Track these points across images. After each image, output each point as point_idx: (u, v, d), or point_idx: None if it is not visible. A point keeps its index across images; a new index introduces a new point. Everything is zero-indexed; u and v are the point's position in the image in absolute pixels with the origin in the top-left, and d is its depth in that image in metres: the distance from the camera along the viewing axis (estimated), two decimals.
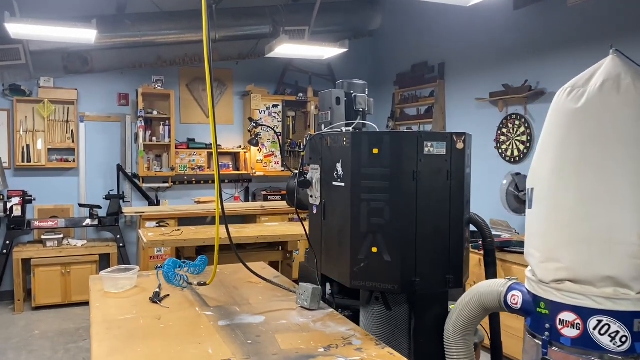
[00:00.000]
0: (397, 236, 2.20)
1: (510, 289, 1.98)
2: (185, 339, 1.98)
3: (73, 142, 5.85)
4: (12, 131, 5.66)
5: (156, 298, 2.46)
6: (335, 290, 2.62)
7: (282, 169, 6.74)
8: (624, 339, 1.63)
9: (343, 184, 2.33)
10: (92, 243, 5.70)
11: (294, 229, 4.70)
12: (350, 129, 2.58)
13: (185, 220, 5.66)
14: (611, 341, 1.65)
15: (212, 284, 2.71)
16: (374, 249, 2.24)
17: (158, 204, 6.17)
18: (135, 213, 5.67)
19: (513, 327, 3.60)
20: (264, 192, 6.74)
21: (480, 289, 2.11)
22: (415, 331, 2.34)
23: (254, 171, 6.56)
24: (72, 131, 5.84)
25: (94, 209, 5.65)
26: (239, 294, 2.60)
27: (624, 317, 1.63)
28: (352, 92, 2.73)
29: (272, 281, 2.67)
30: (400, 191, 2.20)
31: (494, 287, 2.05)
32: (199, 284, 2.63)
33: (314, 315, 2.27)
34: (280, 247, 4.94)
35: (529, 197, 1.95)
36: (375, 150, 2.24)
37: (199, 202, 6.32)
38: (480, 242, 2.69)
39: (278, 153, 6.69)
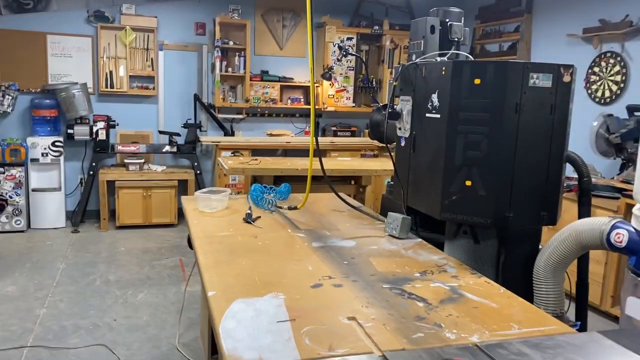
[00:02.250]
0: (494, 170, 2.16)
1: (614, 227, 1.93)
2: (283, 256, 2.07)
3: (153, 70, 6.00)
4: (96, 57, 5.86)
5: (249, 219, 2.56)
6: (418, 222, 2.64)
7: (353, 105, 6.69)
8: None
9: (438, 115, 2.28)
10: (171, 169, 5.96)
11: (369, 164, 4.73)
12: (445, 58, 2.50)
13: (257, 152, 5.78)
14: None
15: (298, 210, 2.79)
16: (468, 183, 2.22)
17: (233, 134, 6.32)
18: (212, 142, 5.84)
19: (593, 272, 3.54)
20: (334, 128, 6.74)
21: (580, 226, 2.07)
22: (504, 266, 2.34)
23: (325, 106, 6.55)
24: (151, 59, 5.98)
25: (173, 136, 5.86)
26: (326, 220, 2.67)
27: None
28: (447, 20, 2.62)
29: (360, 209, 2.71)
30: (501, 124, 2.14)
31: (595, 225, 2.00)
32: (290, 208, 2.71)
33: (403, 244, 2.31)
34: (353, 182, 4.99)
35: None
36: (477, 81, 2.16)
37: (271, 135, 6.42)
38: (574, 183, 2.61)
39: (350, 88, 6.62)
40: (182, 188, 5.91)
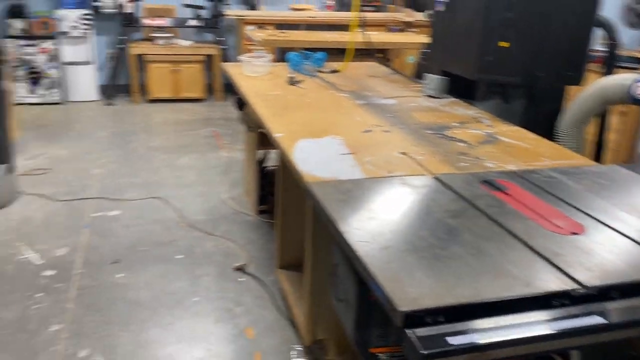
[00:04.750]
0: (527, 31, 2.30)
1: (637, 80, 2.10)
2: (333, 111, 2.29)
3: None
4: None
5: (293, 81, 2.75)
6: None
7: None
8: None
9: None
10: (197, 44, 6.02)
11: (397, 38, 4.79)
12: None
13: (280, 27, 5.78)
14: None
15: (337, 76, 2.97)
16: (502, 43, 2.36)
17: (256, 8, 6.28)
18: (237, 16, 5.84)
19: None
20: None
21: (605, 82, 2.24)
22: (529, 123, 2.55)
23: None
24: None
25: (199, 9, 5.85)
26: (365, 84, 2.86)
27: None
28: None
29: (400, 72, 2.88)
30: None
31: (619, 81, 2.17)
32: (332, 72, 2.88)
33: (440, 102, 2.51)
34: (381, 55, 5.06)
35: None
36: None
37: (294, 9, 6.36)
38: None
39: None
40: (207, 64, 6.01)
